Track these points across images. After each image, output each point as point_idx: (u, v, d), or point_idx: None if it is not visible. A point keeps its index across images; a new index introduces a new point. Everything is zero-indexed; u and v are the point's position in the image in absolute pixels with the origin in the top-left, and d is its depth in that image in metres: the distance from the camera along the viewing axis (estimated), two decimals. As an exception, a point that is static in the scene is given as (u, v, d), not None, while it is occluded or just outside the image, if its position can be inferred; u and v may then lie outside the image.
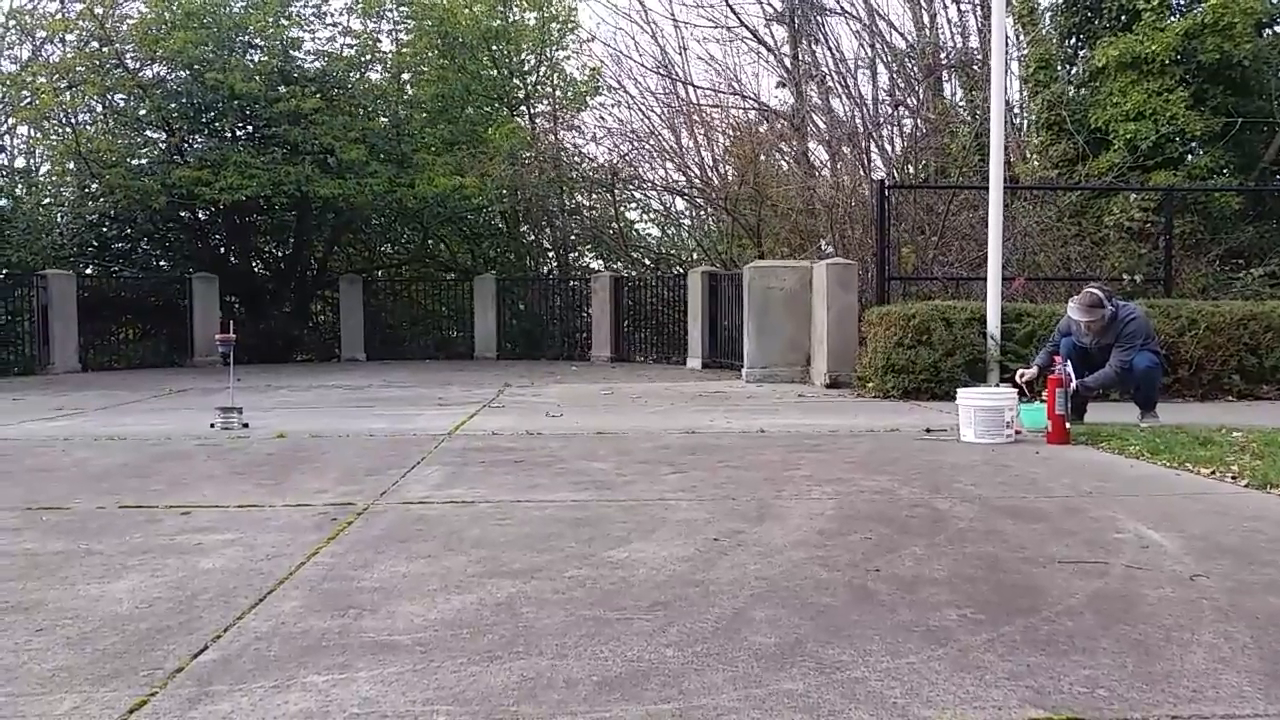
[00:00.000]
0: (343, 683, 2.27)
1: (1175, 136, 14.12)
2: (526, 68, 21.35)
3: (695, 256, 19.44)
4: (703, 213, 19.71)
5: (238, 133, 18.41)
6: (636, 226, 21.12)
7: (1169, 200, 11.74)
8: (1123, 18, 14.83)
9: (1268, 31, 15.42)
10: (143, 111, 18.07)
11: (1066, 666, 2.35)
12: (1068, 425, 6.23)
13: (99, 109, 19.13)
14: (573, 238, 21.17)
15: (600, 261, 21.00)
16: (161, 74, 18.07)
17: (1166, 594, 2.95)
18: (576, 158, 20.13)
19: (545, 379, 12.44)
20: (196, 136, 18.32)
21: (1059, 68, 16.15)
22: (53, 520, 4.07)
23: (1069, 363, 6.56)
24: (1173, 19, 14.51)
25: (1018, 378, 6.88)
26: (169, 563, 3.35)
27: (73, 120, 18.90)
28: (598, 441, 6.42)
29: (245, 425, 7.13)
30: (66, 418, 8.22)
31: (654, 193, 19.57)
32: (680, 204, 19.95)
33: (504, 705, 2.14)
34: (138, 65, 17.88)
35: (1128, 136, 14.05)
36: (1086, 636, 2.57)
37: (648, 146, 18.38)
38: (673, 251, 20.91)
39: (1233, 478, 4.89)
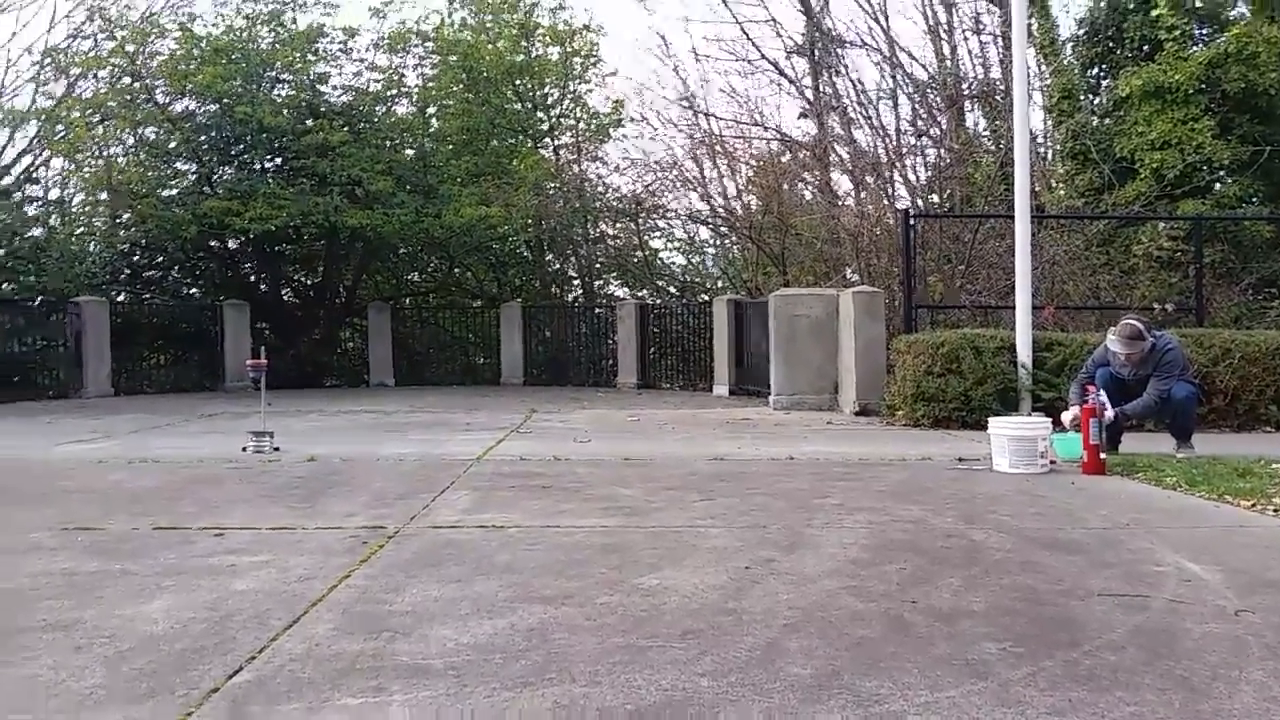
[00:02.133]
0: (376, 706, 2.26)
1: (1202, 165, 14.03)
2: (550, 101, 21.54)
3: (720, 284, 19.45)
4: (727, 241, 19.75)
5: (266, 164, 18.65)
6: (661, 255, 21.19)
7: (1198, 229, 11.65)
8: (1145, 48, 14.82)
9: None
10: (173, 144, 18.37)
11: (1110, 703, 2.30)
12: (1103, 456, 6.15)
13: (130, 141, 19.44)
14: (598, 266, 21.25)
15: (625, 289, 21.04)
16: (191, 108, 18.38)
17: (1211, 629, 2.89)
18: (600, 187, 20.25)
19: (572, 405, 12.44)
20: (226, 168, 18.57)
21: (1082, 97, 16.13)
22: (88, 540, 4.10)
23: (1103, 392, 6.48)
24: (1195, 48, 14.48)
25: (1065, 420, 6.70)
26: (203, 583, 3.36)
27: (105, 153, 19.23)
28: (625, 468, 6.41)
29: (276, 449, 7.16)
30: (100, 441, 8.30)
31: (678, 221, 19.66)
32: (704, 233, 20.02)
33: (540, 732, 2.12)
34: (168, 100, 18.20)
35: (1154, 165, 13.97)
36: (1130, 672, 2.52)
37: (671, 176, 18.47)
38: (698, 279, 20.94)
39: (1274, 510, 4.80)
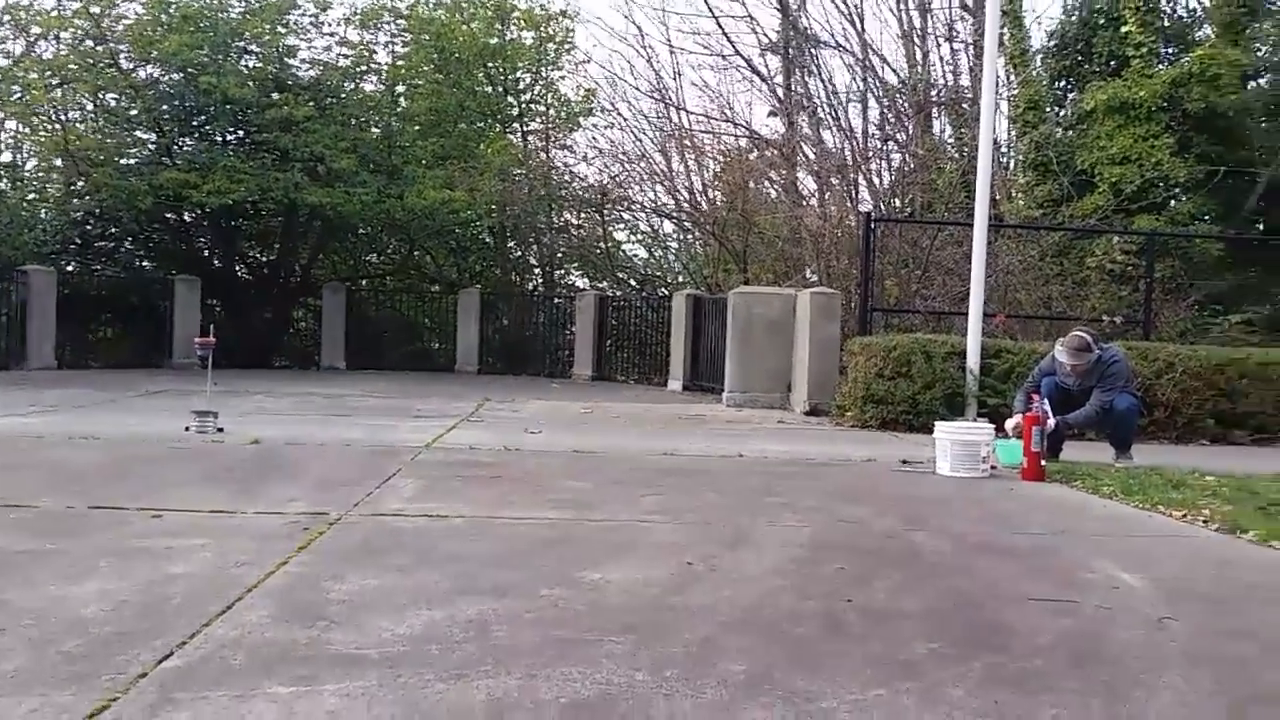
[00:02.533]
0: (308, 695, 2.25)
1: (1159, 182, 14.32)
2: (521, 86, 21.41)
3: (681, 279, 19.49)
4: (690, 236, 19.78)
5: (228, 137, 18.36)
6: (624, 247, 21.17)
7: (1151, 244, 11.87)
8: (1112, 63, 15.08)
9: (1253, 83, 15.70)
10: (134, 112, 17.99)
11: (1034, 705, 2.36)
12: (1043, 463, 6.27)
13: (90, 107, 19.04)
14: (559, 255, 21.19)
15: (586, 280, 21.02)
16: (155, 75, 18.01)
17: (1135, 635, 2.96)
18: (567, 176, 20.20)
19: (525, 395, 12.41)
20: (186, 139, 18.24)
21: (1048, 109, 16.38)
22: (20, 518, 4.02)
23: (1046, 401, 6.60)
24: (1161, 66, 14.77)
25: (1008, 428, 6.81)
26: (137, 566, 3.31)
27: (63, 117, 18.81)
28: (576, 460, 6.41)
29: (221, 430, 7.06)
30: (39, 415, 8.13)
31: (642, 214, 19.64)
32: (668, 226, 20.04)
33: (470, 724, 2.12)
34: (131, 66, 17.82)
35: (1113, 180, 14.24)
36: (1055, 675, 2.57)
37: (638, 168, 18.46)
38: (658, 273, 20.96)
39: (1204, 521, 4.92)
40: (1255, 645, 2.90)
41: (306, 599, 3.01)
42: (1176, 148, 14.25)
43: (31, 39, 18.32)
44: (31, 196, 19.40)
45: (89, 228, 18.63)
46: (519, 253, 21.92)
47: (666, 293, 17.24)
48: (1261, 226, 15.86)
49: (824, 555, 3.89)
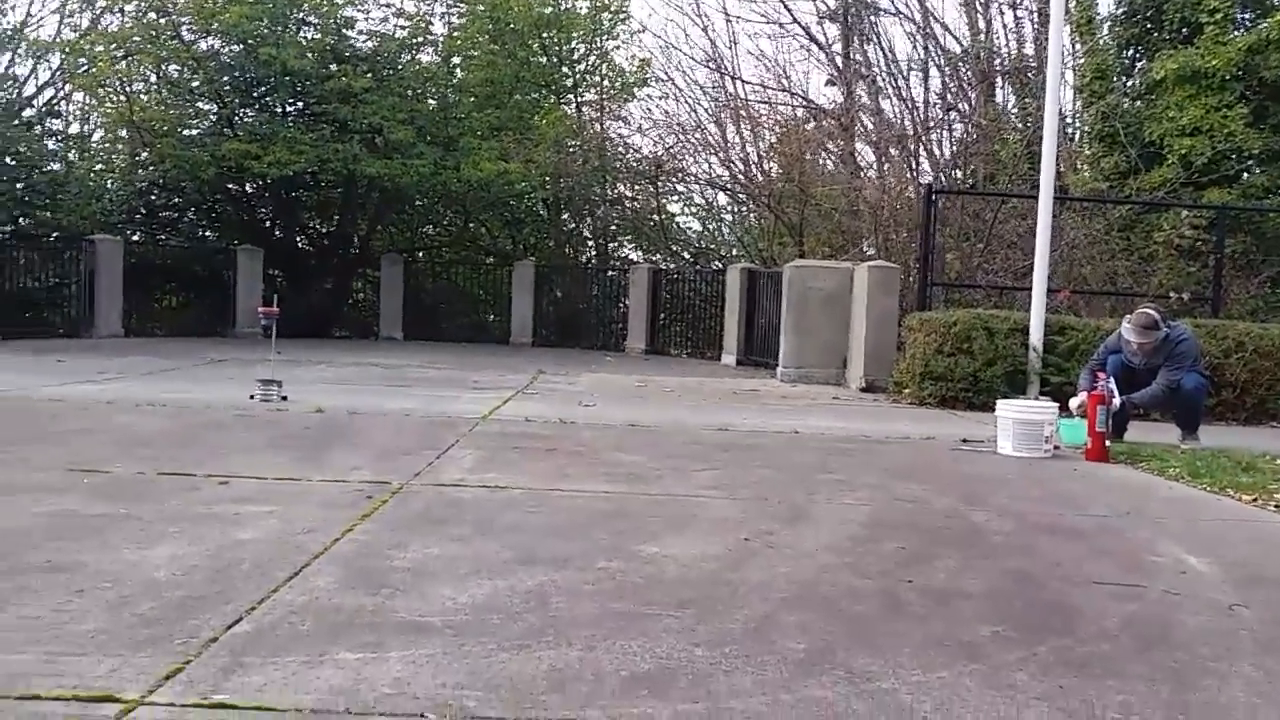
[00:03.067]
0: (374, 661, 2.29)
1: (1232, 154, 13.85)
2: (576, 56, 21.32)
3: (735, 252, 19.34)
4: (745, 209, 19.60)
5: (288, 108, 18.57)
6: (677, 219, 21.05)
7: (1222, 219, 11.51)
8: (1184, 30, 14.56)
9: (1335, 50, 15.06)
10: (196, 83, 18.28)
11: (1100, 691, 2.32)
12: (1107, 443, 6.14)
13: (153, 79, 19.37)
14: (613, 227, 21.15)
15: (639, 253, 20.95)
16: (216, 47, 18.26)
17: (1204, 622, 2.90)
18: (621, 148, 20.07)
19: (579, 368, 12.46)
20: (247, 110, 18.50)
21: (1115, 79, 15.90)
22: (94, 483, 4.14)
23: (1112, 380, 6.45)
24: (1236, 33, 14.22)
25: (1072, 406, 6.71)
26: (206, 531, 3.40)
27: (127, 89, 19.15)
28: (630, 434, 6.43)
29: (284, 398, 7.20)
30: (109, 381, 8.36)
31: (697, 186, 19.49)
32: (723, 199, 19.85)
33: (532, 694, 2.15)
34: (193, 38, 18.07)
35: (1182, 152, 13.79)
36: (1121, 661, 2.53)
37: (693, 140, 18.29)
38: (712, 246, 20.82)
39: (1275, 506, 4.79)
40: (1331, 635, 2.83)
41: (371, 566, 3.06)
42: (1251, 118, 13.75)
43: (97, 12, 18.68)
44: (98, 167, 19.86)
45: (154, 198, 19.01)
46: (573, 225, 21.92)
47: (720, 266, 17.13)
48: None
49: (883, 533, 3.86)
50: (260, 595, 2.73)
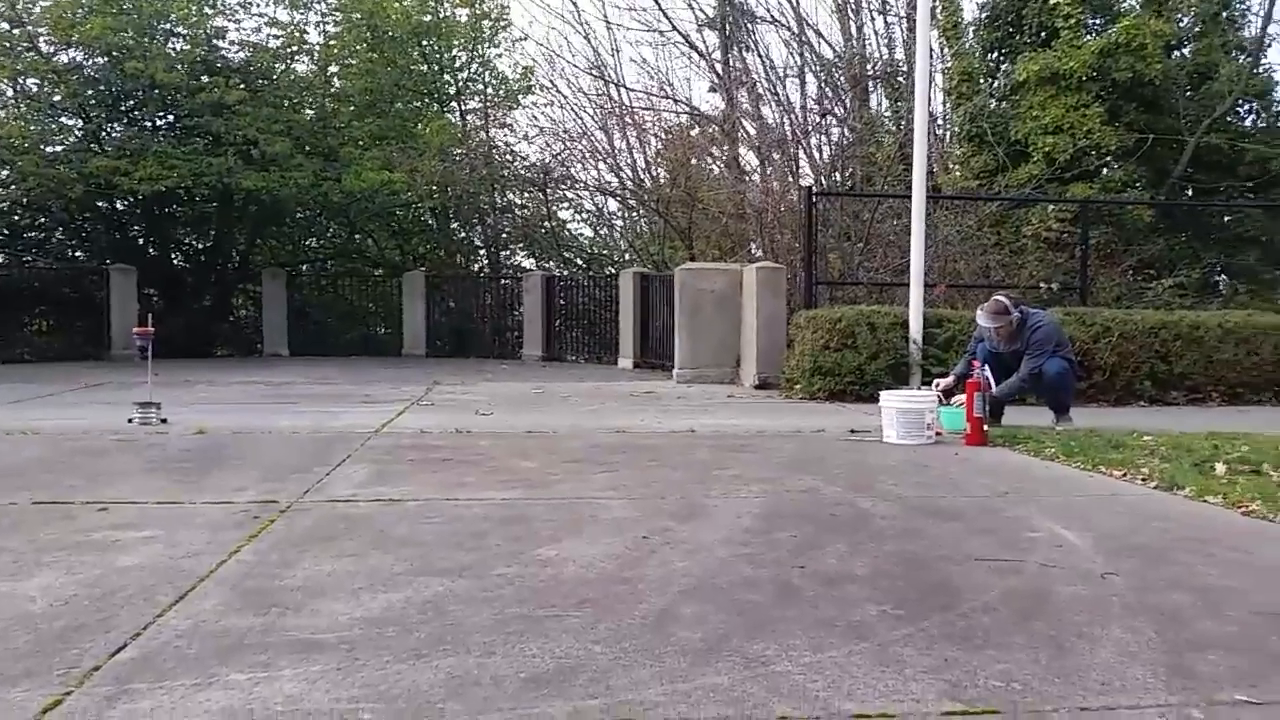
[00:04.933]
0: (265, 680, 2.24)
1: (1091, 150, 14.64)
2: (458, 64, 21.15)
3: (627, 257, 19.48)
4: (635, 214, 19.77)
5: (158, 122, 17.90)
6: (569, 226, 21.10)
7: (1085, 212, 12.15)
8: (1042, 34, 15.33)
9: (1176, 53, 16.09)
10: (58, 97, 17.45)
11: (982, 661, 2.43)
12: (985, 428, 6.42)
13: (9, 93, 18.41)
14: (504, 236, 21.04)
15: (532, 260, 20.91)
16: (78, 59, 17.46)
17: (1078, 591, 3.06)
18: (508, 155, 20.03)
19: (475, 377, 12.35)
20: (115, 125, 17.76)
21: (981, 81, 16.61)
22: (-42, 517, 3.92)
23: (986, 367, 6.75)
24: (1089, 37, 15.05)
25: (934, 387, 7.07)
26: (85, 560, 3.25)
27: (-18, 104, 18.16)
28: (527, 440, 6.41)
29: (164, 420, 6.94)
30: (-28, 412, 7.90)
31: (586, 193, 19.58)
32: (613, 204, 20.00)
33: (430, 703, 2.14)
34: (52, 49, 17.26)
35: (1046, 149, 14.52)
36: (1002, 632, 2.65)
37: (580, 147, 18.38)
38: (605, 252, 20.92)
39: (1143, 480, 5.08)
40: (1190, 595, 3.02)
41: (260, 586, 2.99)
42: (1107, 117, 14.57)
43: (-58, 23, 17.65)
44: (-47, 187, 18.74)
45: (17, 218, 18.08)
46: (463, 234, 21.71)
47: (614, 271, 17.22)
48: (1190, 193, 16.31)
49: (776, 524, 3.95)
50: (144, 621, 2.63)
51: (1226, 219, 16.02)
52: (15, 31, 16.80)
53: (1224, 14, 16.06)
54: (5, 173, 17.43)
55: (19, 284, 16.42)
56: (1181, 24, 15.94)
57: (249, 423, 7.15)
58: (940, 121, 17.21)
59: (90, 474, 4.96)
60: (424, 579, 3.08)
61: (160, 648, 2.44)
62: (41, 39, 17.06)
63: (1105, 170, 15.42)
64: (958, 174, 16.29)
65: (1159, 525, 4.05)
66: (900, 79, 16.95)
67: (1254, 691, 2.26)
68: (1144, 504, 4.55)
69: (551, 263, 20.03)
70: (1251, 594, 3.06)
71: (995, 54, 16.66)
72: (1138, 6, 15.59)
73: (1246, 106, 16.44)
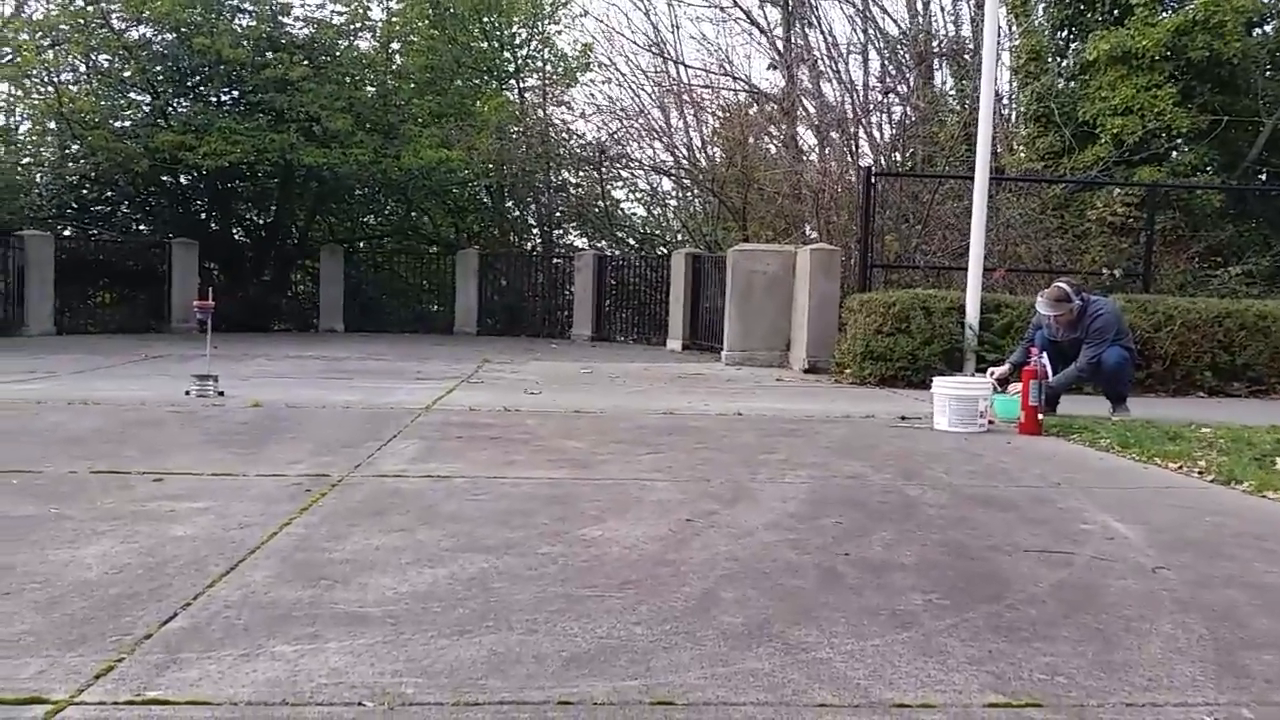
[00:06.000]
0: (311, 653, 2.28)
1: (1162, 132, 14.20)
2: (517, 41, 21.18)
3: (680, 238, 19.42)
4: (689, 194, 19.67)
5: (223, 98, 18.21)
6: (622, 206, 21.07)
7: (1152, 196, 11.80)
8: (1115, 11, 14.88)
9: (1257, 31, 15.51)
10: (127, 73, 17.84)
11: (1027, 653, 2.39)
12: (1040, 417, 6.29)
13: (82, 69, 18.87)
14: (558, 215, 21.09)
15: (584, 239, 20.94)
16: (148, 35, 17.83)
17: (1129, 585, 2.99)
18: (564, 134, 20.02)
19: (525, 356, 12.43)
20: (181, 100, 18.11)
21: (1049, 60, 16.19)
22: (22, 483, 4.05)
23: (1044, 355, 6.61)
24: (1164, 14, 14.56)
25: (989, 375, 6.93)
26: (140, 529, 3.34)
27: (55, 79, 18.63)
28: (575, 420, 6.44)
29: (221, 394, 7.09)
30: (40, 381, 8.15)
31: (641, 172, 19.52)
32: (667, 184, 19.92)
33: (472, 678, 2.16)
34: (124, 26, 17.63)
35: (1115, 131, 14.12)
36: (1048, 624, 2.61)
37: (636, 125, 18.30)
38: (657, 232, 20.87)
39: (1199, 473, 4.96)
40: (1245, 593, 2.94)
41: (310, 559, 3.04)
42: (1179, 98, 14.11)
43: (20, -1, 18.14)
44: (26, 160, 19.31)
45: (85, 192, 18.55)
46: (517, 212, 21.81)
47: (665, 252, 17.18)
48: (1264, 177, 15.77)
49: (821, 510, 3.92)
50: (195, 591, 2.70)
51: (1301, 205, 15.47)
52: (90, 8, 17.19)
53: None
54: (75, 147, 17.88)
55: (85, 256, 16.84)
56: (1265, 0, 15.35)
57: (303, 397, 7.27)
58: (1006, 101, 16.84)
59: (147, 445, 5.09)
60: (469, 555, 3.12)
61: (210, 618, 2.50)
62: (114, 15, 17.44)
63: (1175, 153, 14.96)
64: (1022, 155, 15.92)
65: (1215, 520, 3.94)
66: (966, 57, 16.60)
67: (1311, 696, 2.19)
68: (1200, 498, 4.44)
69: (604, 242, 20.04)
70: (1313, 595, 2.97)
71: (1065, 31, 16.21)
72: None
73: (1330, 87, 15.80)
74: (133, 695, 2.03)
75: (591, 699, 2.07)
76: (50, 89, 18.48)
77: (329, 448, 5.09)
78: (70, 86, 18.76)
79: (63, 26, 17.26)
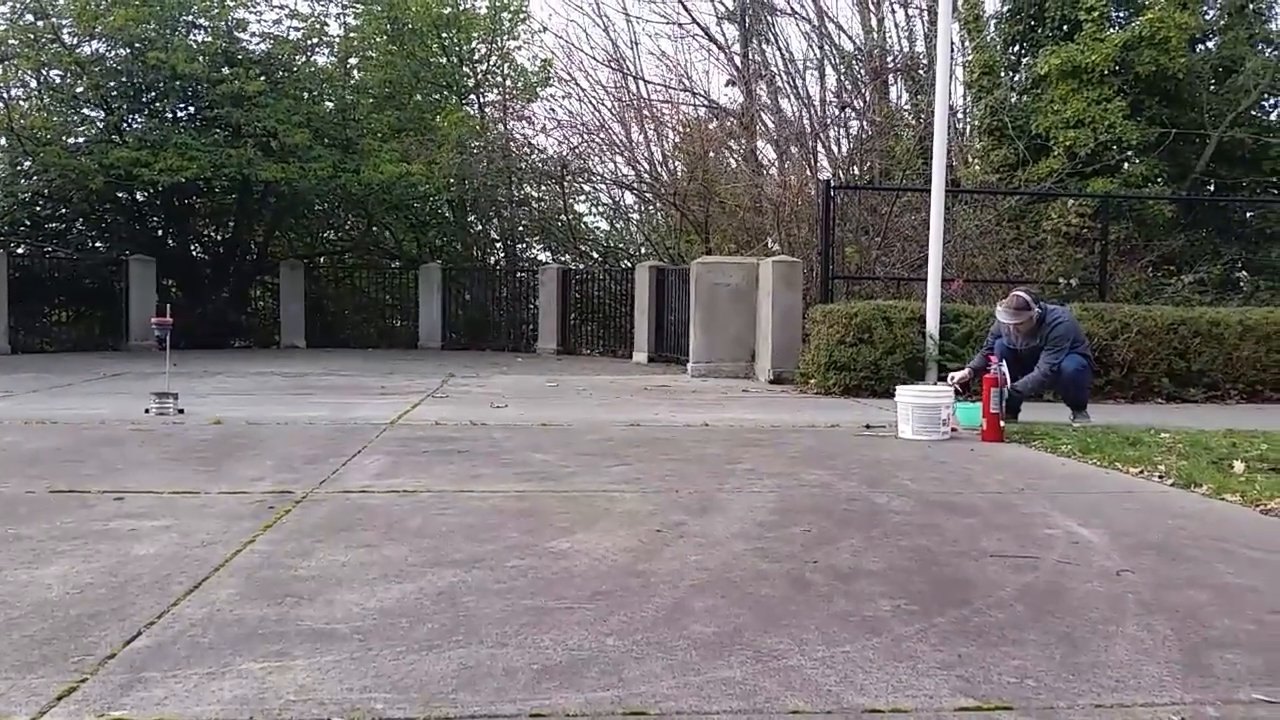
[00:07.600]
0: (279, 670, 2.25)
1: (1113, 144, 14.49)
2: (477, 56, 21.14)
3: (643, 251, 19.45)
4: (651, 207, 19.73)
5: (179, 113, 17.99)
6: (585, 219, 21.08)
7: (1105, 207, 12.02)
8: (1064, 27, 15.18)
9: (1200, 47, 15.92)
10: (80, 89, 17.55)
11: (996, 657, 2.42)
12: (1002, 424, 6.38)
13: (33, 84, 18.54)
14: (521, 229, 21.04)
15: (548, 253, 20.91)
16: (101, 51, 17.56)
17: (1094, 588, 3.04)
18: (526, 148, 20.01)
19: (490, 370, 12.37)
20: (136, 116, 17.85)
21: (1002, 74, 16.47)
22: (-22, 505, 3.96)
23: (1004, 363, 6.71)
24: (1112, 30, 14.89)
25: (949, 380, 7.04)
26: (101, 548, 3.28)
27: (5, 95, 18.29)
28: (542, 433, 6.42)
29: (181, 411, 6.98)
30: (-7, 401, 7.98)
31: (603, 186, 19.55)
32: (629, 198, 19.95)
33: (442, 693, 2.14)
34: (75, 41, 17.35)
35: (1067, 143, 14.39)
36: (1016, 628, 2.64)
37: (598, 139, 18.35)
38: (621, 245, 20.89)
39: (1159, 477, 5.05)
40: (1207, 593, 2.99)
41: (274, 576, 3.00)
42: (1129, 111, 14.42)
43: (-34, 14, 17.78)
44: (-24, 178, 18.90)
45: (39, 209, 18.21)
46: (480, 227, 21.73)
47: (629, 265, 17.20)
48: (1212, 188, 16.13)
49: (789, 519, 3.94)
50: (159, 610, 2.65)
51: (1249, 215, 15.85)
52: (40, 23, 16.91)
53: (1250, 7, 15.86)
54: (28, 164, 17.56)
55: (39, 274, 16.52)
56: (1207, 17, 15.75)
57: (265, 414, 7.18)
58: (960, 115, 17.10)
59: (107, 463, 5.00)
60: (437, 570, 3.09)
61: (175, 636, 2.46)
62: (65, 30, 17.16)
63: (1126, 165, 15.27)
64: (977, 168, 16.17)
65: (1175, 523, 4.02)
66: (921, 72, 16.84)
67: (1271, 690, 2.24)
68: (1161, 501, 4.51)
69: (567, 256, 20.03)
70: (1269, 592, 3.03)
71: (1017, 47, 16.51)
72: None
73: (1271, 101, 16.24)
74: (96, 716, 2.00)
75: (564, 711, 2.06)
76: (0, 105, 18.14)
77: (292, 464, 5.03)
78: (21, 102, 18.43)
79: (12, 41, 16.96)
